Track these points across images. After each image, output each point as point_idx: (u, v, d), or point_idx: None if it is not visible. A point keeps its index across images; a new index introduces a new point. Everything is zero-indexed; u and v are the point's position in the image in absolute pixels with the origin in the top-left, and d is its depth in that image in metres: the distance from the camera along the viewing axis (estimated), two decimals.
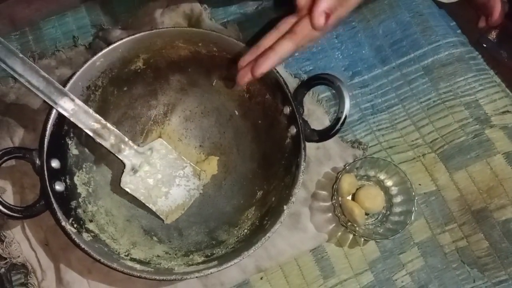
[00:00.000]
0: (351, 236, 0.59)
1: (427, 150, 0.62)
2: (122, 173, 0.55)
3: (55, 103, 0.50)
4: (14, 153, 0.50)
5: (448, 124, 0.63)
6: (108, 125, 0.52)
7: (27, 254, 0.55)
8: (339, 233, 0.59)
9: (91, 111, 0.51)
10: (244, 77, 0.48)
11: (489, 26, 0.66)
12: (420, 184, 0.61)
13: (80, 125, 0.51)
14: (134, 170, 0.55)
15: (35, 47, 0.63)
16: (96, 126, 0.52)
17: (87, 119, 0.51)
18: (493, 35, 0.68)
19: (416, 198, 0.56)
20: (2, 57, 0.48)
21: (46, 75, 0.49)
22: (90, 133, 0.52)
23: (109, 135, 0.53)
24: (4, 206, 0.48)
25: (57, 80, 0.50)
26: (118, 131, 0.53)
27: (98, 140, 0.52)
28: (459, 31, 0.68)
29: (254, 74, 0.47)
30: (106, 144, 0.53)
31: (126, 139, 0.54)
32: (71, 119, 0.50)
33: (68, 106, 0.50)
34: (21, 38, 0.63)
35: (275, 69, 0.55)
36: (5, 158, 0.49)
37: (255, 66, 0.47)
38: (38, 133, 0.51)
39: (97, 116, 0.52)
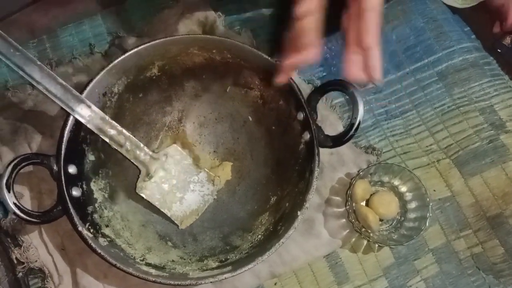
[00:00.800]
0: (365, 242, 0.59)
1: (442, 155, 0.62)
2: (138, 178, 0.56)
3: (72, 110, 0.50)
4: (32, 159, 0.50)
5: (463, 129, 0.63)
6: (124, 131, 0.53)
7: (44, 258, 0.55)
8: (353, 239, 0.59)
9: (107, 117, 0.52)
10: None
11: (503, 31, 0.65)
12: (434, 190, 0.61)
13: (96, 132, 0.52)
14: (149, 175, 0.56)
15: (53, 55, 0.64)
16: (112, 132, 0.53)
17: (104, 126, 0.52)
18: (507, 40, 0.68)
19: (431, 204, 0.56)
20: (20, 65, 0.49)
21: (64, 82, 0.50)
22: (106, 139, 0.52)
23: (124, 141, 0.53)
24: (22, 211, 0.49)
25: (74, 87, 0.51)
26: (133, 137, 0.54)
27: (114, 146, 0.53)
28: (473, 36, 0.68)
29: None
30: (122, 150, 0.54)
31: (142, 145, 0.55)
32: (88, 125, 0.51)
33: (85, 112, 0.51)
34: (39, 45, 0.64)
35: None
36: (23, 164, 0.50)
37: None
38: (56, 139, 0.52)
39: (113, 122, 0.52)
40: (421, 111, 0.64)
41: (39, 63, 0.49)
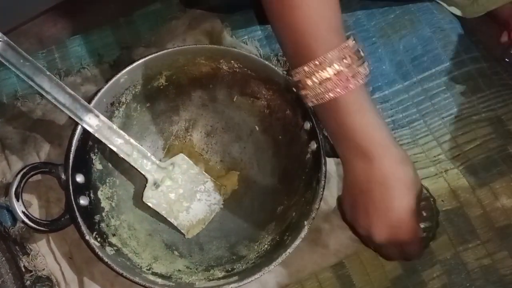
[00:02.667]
0: (372, 252, 0.58)
1: (450, 166, 0.61)
2: (145, 187, 0.56)
3: (81, 119, 0.51)
4: (40, 168, 0.51)
5: (471, 139, 0.62)
6: (131, 140, 0.53)
7: (52, 267, 0.56)
8: (361, 250, 0.58)
9: (115, 127, 0.52)
10: None
11: (511, 41, 0.65)
12: (442, 201, 0.60)
13: (104, 141, 0.52)
14: (156, 185, 0.56)
15: (61, 65, 0.65)
16: (120, 141, 0.53)
17: (111, 135, 0.52)
18: None
19: (439, 214, 0.56)
20: (30, 75, 0.50)
21: (72, 92, 0.51)
22: (114, 149, 0.53)
23: (132, 151, 0.54)
24: (30, 219, 0.49)
25: (82, 97, 0.51)
26: (141, 147, 0.54)
27: (122, 155, 0.53)
28: (481, 46, 0.68)
29: None
30: (129, 159, 0.54)
31: (149, 154, 0.55)
32: (96, 134, 0.52)
33: (93, 122, 0.51)
34: (48, 56, 0.65)
35: None
36: (32, 173, 0.51)
37: None
38: (64, 148, 0.52)
39: (121, 132, 0.53)
40: (428, 121, 0.64)
41: (48, 73, 0.50)
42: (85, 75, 0.63)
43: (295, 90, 0.49)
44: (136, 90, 0.57)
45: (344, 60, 0.45)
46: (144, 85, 0.57)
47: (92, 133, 0.52)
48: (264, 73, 0.57)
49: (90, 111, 0.51)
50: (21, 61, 0.49)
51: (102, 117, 0.52)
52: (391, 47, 0.67)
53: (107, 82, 0.54)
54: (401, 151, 0.48)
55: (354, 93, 0.46)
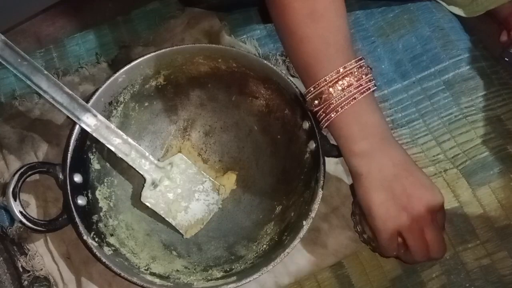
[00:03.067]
0: (371, 252, 0.58)
1: (449, 165, 0.61)
2: (143, 187, 0.56)
3: (78, 119, 0.51)
4: (38, 168, 0.51)
5: (470, 139, 0.62)
6: (129, 140, 0.53)
7: (49, 267, 0.55)
8: (360, 250, 0.58)
9: (113, 126, 0.52)
10: None
11: (511, 40, 0.65)
12: None
13: (102, 140, 0.52)
14: (155, 184, 0.56)
15: (59, 64, 0.64)
16: (118, 141, 0.53)
17: (109, 134, 0.52)
18: None
19: None
20: (28, 74, 0.49)
21: (70, 92, 0.50)
22: (112, 148, 0.53)
23: (130, 150, 0.54)
24: (28, 219, 0.49)
25: (80, 96, 0.51)
26: (139, 146, 0.54)
27: (120, 155, 0.53)
28: (480, 45, 0.68)
29: None
30: (127, 159, 0.54)
31: (147, 154, 0.55)
32: (94, 134, 0.51)
33: (91, 121, 0.51)
34: (46, 55, 0.65)
35: (294, 84, 0.55)
36: (30, 172, 0.50)
37: None
38: (62, 148, 0.52)
39: (119, 131, 0.53)
40: (427, 121, 0.63)
41: (46, 72, 0.50)
42: (83, 74, 0.63)
43: (312, 108, 0.51)
44: (134, 89, 0.57)
45: (361, 68, 0.49)
46: (142, 85, 0.57)
47: (90, 132, 0.51)
48: (263, 73, 0.56)
49: (88, 110, 0.51)
50: (19, 60, 0.49)
51: (100, 116, 0.52)
52: (390, 47, 0.67)
53: (105, 81, 0.54)
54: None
55: (372, 95, 0.50)
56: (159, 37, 0.65)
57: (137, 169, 0.55)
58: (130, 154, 0.54)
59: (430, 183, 0.50)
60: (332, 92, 0.48)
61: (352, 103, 0.48)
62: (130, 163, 0.54)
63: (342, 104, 0.48)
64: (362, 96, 0.48)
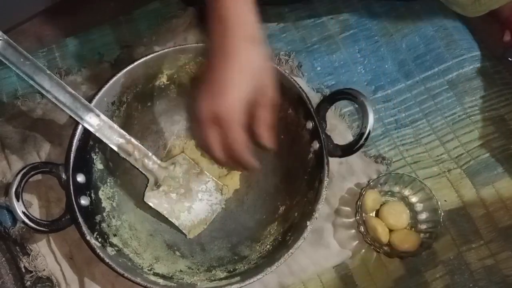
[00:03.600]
0: (375, 253, 0.58)
1: (453, 165, 0.61)
2: (146, 187, 0.56)
3: (81, 119, 0.51)
4: (40, 168, 0.51)
5: (474, 139, 0.62)
6: (133, 140, 0.53)
7: (52, 267, 0.55)
8: (363, 250, 0.58)
9: (115, 126, 0.52)
10: None
11: None
12: (445, 201, 0.60)
13: (105, 140, 0.52)
14: (158, 184, 0.56)
15: (62, 64, 0.64)
16: (121, 141, 0.53)
17: (112, 134, 0.52)
18: None
19: (442, 215, 0.55)
20: (30, 74, 0.49)
21: (73, 91, 0.50)
22: (115, 148, 0.52)
23: (133, 150, 0.53)
24: (30, 220, 0.49)
25: (83, 96, 0.51)
26: (142, 146, 0.54)
27: (123, 155, 0.53)
28: (483, 45, 0.68)
29: None
30: (130, 159, 0.53)
31: (150, 154, 0.54)
32: (97, 134, 0.51)
33: (94, 121, 0.51)
34: (48, 55, 0.65)
35: (298, 84, 0.55)
36: (32, 172, 0.50)
37: None
38: (64, 148, 0.52)
39: (122, 131, 0.52)
40: (431, 120, 0.63)
41: (48, 72, 0.49)
42: (85, 74, 0.63)
43: None
44: (137, 89, 0.57)
45: None
46: (145, 84, 0.57)
47: (93, 132, 0.51)
48: None
49: (91, 110, 0.51)
50: (22, 60, 0.49)
51: (103, 116, 0.51)
52: (394, 46, 0.66)
53: (107, 81, 0.53)
54: (262, 44, 0.45)
55: None
56: (162, 37, 0.65)
57: (140, 169, 0.54)
58: (133, 154, 0.53)
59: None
60: None
61: None
62: (133, 163, 0.54)
63: None
64: None
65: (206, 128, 0.45)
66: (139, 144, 0.54)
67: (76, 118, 0.51)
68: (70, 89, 0.50)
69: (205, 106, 0.44)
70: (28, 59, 0.49)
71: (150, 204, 0.56)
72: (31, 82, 0.49)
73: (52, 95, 0.50)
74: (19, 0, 0.65)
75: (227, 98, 0.43)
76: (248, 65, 0.44)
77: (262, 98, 0.46)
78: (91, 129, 0.51)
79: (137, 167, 0.54)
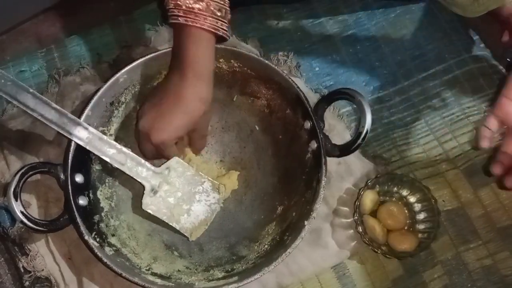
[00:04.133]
0: (373, 253, 0.58)
1: (451, 166, 0.61)
2: (143, 195, 0.55)
3: (70, 134, 0.50)
4: (39, 168, 0.51)
5: (472, 139, 0.62)
6: (124, 149, 0.53)
7: (51, 267, 0.55)
8: (361, 250, 0.58)
9: (105, 137, 0.52)
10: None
11: None
12: (443, 201, 0.60)
13: (96, 152, 0.51)
14: (154, 191, 0.55)
15: (61, 64, 0.64)
16: (112, 151, 0.52)
17: (103, 146, 0.52)
18: None
19: (440, 215, 0.55)
20: (13, 94, 0.48)
21: (58, 107, 0.49)
22: (107, 159, 0.52)
23: (125, 159, 0.53)
24: (29, 220, 0.49)
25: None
26: (134, 154, 0.53)
27: (115, 165, 0.52)
28: (482, 45, 0.68)
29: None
30: (124, 168, 0.53)
31: (143, 161, 0.54)
32: (87, 147, 0.51)
33: (83, 134, 0.50)
34: (47, 55, 0.65)
35: (296, 84, 0.55)
36: (31, 173, 0.50)
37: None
38: (63, 148, 0.52)
39: (112, 142, 0.52)
40: (429, 121, 0.63)
41: (31, 90, 0.48)
42: (84, 74, 0.63)
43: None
44: (136, 89, 0.57)
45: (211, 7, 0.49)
46: (143, 85, 0.57)
47: (83, 146, 0.50)
48: (264, 73, 0.56)
49: (78, 124, 0.50)
50: (2, 81, 0.48)
51: (91, 129, 0.51)
52: (393, 47, 0.67)
53: (106, 81, 0.53)
54: (207, 87, 0.52)
55: (208, 34, 0.49)
56: (161, 37, 0.65)
57: (134, 178, 0.54)
58: (126, 163, 0.53)
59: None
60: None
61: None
62: (127, 172, 0.53)
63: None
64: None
65: (142, 144, 0.53)
66: (131, 153, 0.53)
67: (65, 134, 0.50)
68: (55, 105, 0.49)
69: (144, 131, 0.52)
70: (9, 79, 0.48)
71: (149, 211, 0.55)
72: (15, 102, 0.48)
73: (38, 113, 0.49)
74: (19, 0, 0.65)
75: (163, 136, 0.51)
76: (189, 112, 0.51)
77: (194, 134, 0.55)
78: (81, 143, 0.50)
79: (131, 175, 0.53)
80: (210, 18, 0.48)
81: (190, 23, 0.48)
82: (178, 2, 0.48)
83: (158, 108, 0.51)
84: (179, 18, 0.48)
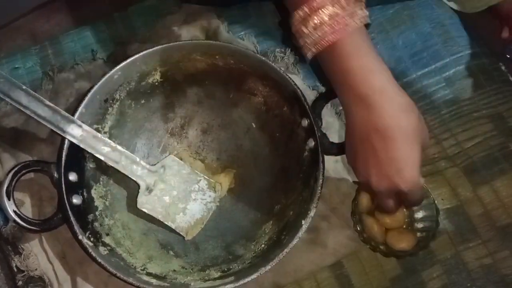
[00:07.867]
0: (371, 252, 0.57)
1: (450, 164, 0.61)
2: (138, 194, 0.55)
3: (64, 131, 0.50)
4: (32, 166, 0.50)
5: (471, 137, 0.61)
6: (118, 147, 0.52)
7: (44, 267, 0.55)
8: (359, 249, 0.57)
9: (99, 135, 0.51)
10: None
11: None
12: (443, 199, 0.59)
13: (90, 150, 0.51)
14: (149, 189, 0.55)
15: (55, 61, 0.63)
16: (107, 149, 0.52)
17: (97, 144, 0.51)
18: None
19: (439, 213, 0.55)
20: (5, 91, 0.48)
21: (51, 104, 0.49)
22: (101, 157, 0.51)
23: (120, 157, 0.52)
24: (22, 219, 0.49)
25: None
26: (129, 152, 0.53)
27: (110, 163, 0.52)
28: (481, 41, 0.67)
29: None
30: (118, 167, 0.52)
31: (138, 159, 0.53)
32: (81, 145, 0.50)
33: (76, 132, 0.50)
34: (41, 51, 0.64)
35: (293, 81, 0.54)
36: (24, 171, 0.50)
37: None
38: (57, 146, 0.51)
39: (106, 139, 0.52)
40: (428, 118, 0.63)
41: (24, 87, 0.48)
42: (78, 71, 0.62)
43: (296, 43, 0.47)
44: (130, 86, 0.56)
45: (338, 3, 0.43)
46: (138, 82, 0.56)
47: (77, 144, 0.50)
48: (261, 70, 0.56)
49: (72, 121, 0.50)
50: None
51: (85, 126, 0.50)
52: (390, 43, 0.66)
53: (100, 78, 0.53)
54: (404, 97, 0.45)
55: (352, 36, 0.44)
56: (156, 34, 0.64)
57: (129, 176, 0.53)
58: (121, 161, 0.52)
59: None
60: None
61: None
62: (122, 171, 0.53)
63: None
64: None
65: (386, 200, 0.49)
66: (126, 151, 0.53)
67: (58, 131, 0.49)
68: (48, 103, 0.49)
69: (382, 186, 0.46)
70: (2, 76, 0.47)
71: (144, 210, 0.55)
72: (7, 99, 0.48)
73: (31, 111, 0.48)
74: None
75: (406, 177, 0.45)
76: (409, 135, 0.44)
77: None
78: (75, 141, 0.50)
79: (126, 174, 0.53)
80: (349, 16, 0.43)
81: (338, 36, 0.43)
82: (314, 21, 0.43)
83: (381, 162, 0.45)
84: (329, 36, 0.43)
